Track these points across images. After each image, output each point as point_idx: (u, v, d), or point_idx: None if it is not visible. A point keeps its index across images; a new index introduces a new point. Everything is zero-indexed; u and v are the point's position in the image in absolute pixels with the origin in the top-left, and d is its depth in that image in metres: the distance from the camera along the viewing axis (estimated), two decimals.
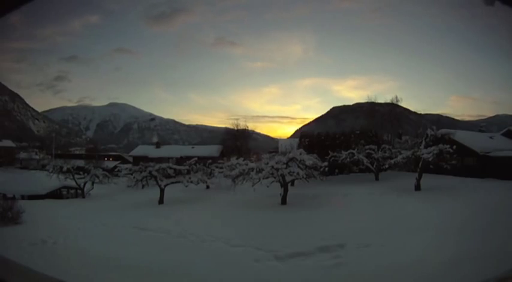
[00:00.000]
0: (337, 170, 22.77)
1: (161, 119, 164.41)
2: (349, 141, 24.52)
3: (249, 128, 41.91)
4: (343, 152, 21.46)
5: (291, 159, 14.35)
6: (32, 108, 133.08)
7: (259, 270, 5.63)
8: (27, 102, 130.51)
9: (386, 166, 20.38)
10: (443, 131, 17.35)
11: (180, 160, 27.96)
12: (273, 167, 13.90)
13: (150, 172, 16.60)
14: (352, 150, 21.38)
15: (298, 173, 14.25)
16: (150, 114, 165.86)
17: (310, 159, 14.85)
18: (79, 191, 21.16)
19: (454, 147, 15.52)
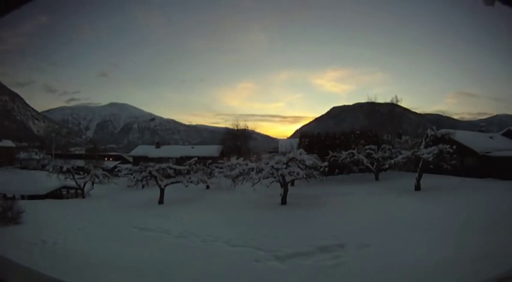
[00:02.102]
0: (337, 170, 22.76)
1: (161, 119, 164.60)
2: (349, 141, 24.53)
3: (249, 128, 42.01)
4: (343, 152, 21.48)
5: (291, 159, 14.34)
6: (32, 108, 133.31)
7: (259, 270, 5.63)
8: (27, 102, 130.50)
9: (386, 166, 20.40)
10: (443, 131, 17.35)
11: (180, 160, 27.99)
12: (273, 167, 13.90)
13: (150, 172, 16.59)
14: (352, 150, 21.40)
15: (298, 173, 14.24)
16: (150, 114, 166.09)
17: (310, 159, 14.86)
18: (79, 191, 21.15)
19: (454, 147, 15.52)
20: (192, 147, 41.41)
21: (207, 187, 19.82)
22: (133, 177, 17.25)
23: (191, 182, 17.11)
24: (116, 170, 22.01)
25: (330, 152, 21.65)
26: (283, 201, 13.70)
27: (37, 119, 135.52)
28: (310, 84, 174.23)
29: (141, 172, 16.95)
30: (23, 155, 46.35)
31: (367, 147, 21.87)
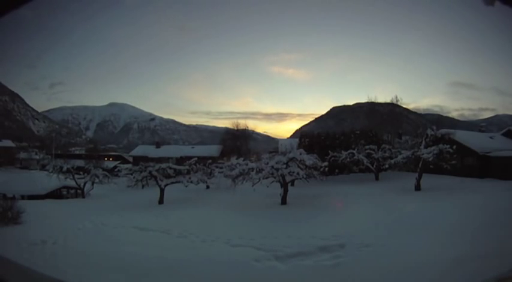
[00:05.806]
0: (337, 170, 22.76)
1: (161, 119, 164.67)
2: (349, 141, 24.52)
3: (249, 128, 42.04)
4: (343, 152, 21.49)
5: (291, 159, 14.35)
6: (32, 108, 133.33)
7: (259, 270, 5.63)
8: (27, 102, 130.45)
9: (387, 166, 20.41)
10: (443, 131, 17.38)
11: (180, 160, 28.01)
12: (273, 167, 13.91)
13: (150, 172, 16.60)
14: (352, 150, 21.40)
15: (298, 173, 14.24)
16: (150, 114, 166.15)
17: (310, 159, 14.85)
18: (79, 191, 21.15)
19: (454, 147, 15.53)
20: (192, 147, 41.45)
21: (207, 187, 19.82)
22: (134, 177, 17.28)
23: (191, 182, 17.12)
24: (116, 170, 22.03)
25: (330, 152, 21.65)
26: (283, 201, 13.70)
27: (37, 119, 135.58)
28: (269, 73, 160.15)
29: (141, 172, 16.97)
30: (23, 155, 46.36)
31: (367, 147, 21.87)
